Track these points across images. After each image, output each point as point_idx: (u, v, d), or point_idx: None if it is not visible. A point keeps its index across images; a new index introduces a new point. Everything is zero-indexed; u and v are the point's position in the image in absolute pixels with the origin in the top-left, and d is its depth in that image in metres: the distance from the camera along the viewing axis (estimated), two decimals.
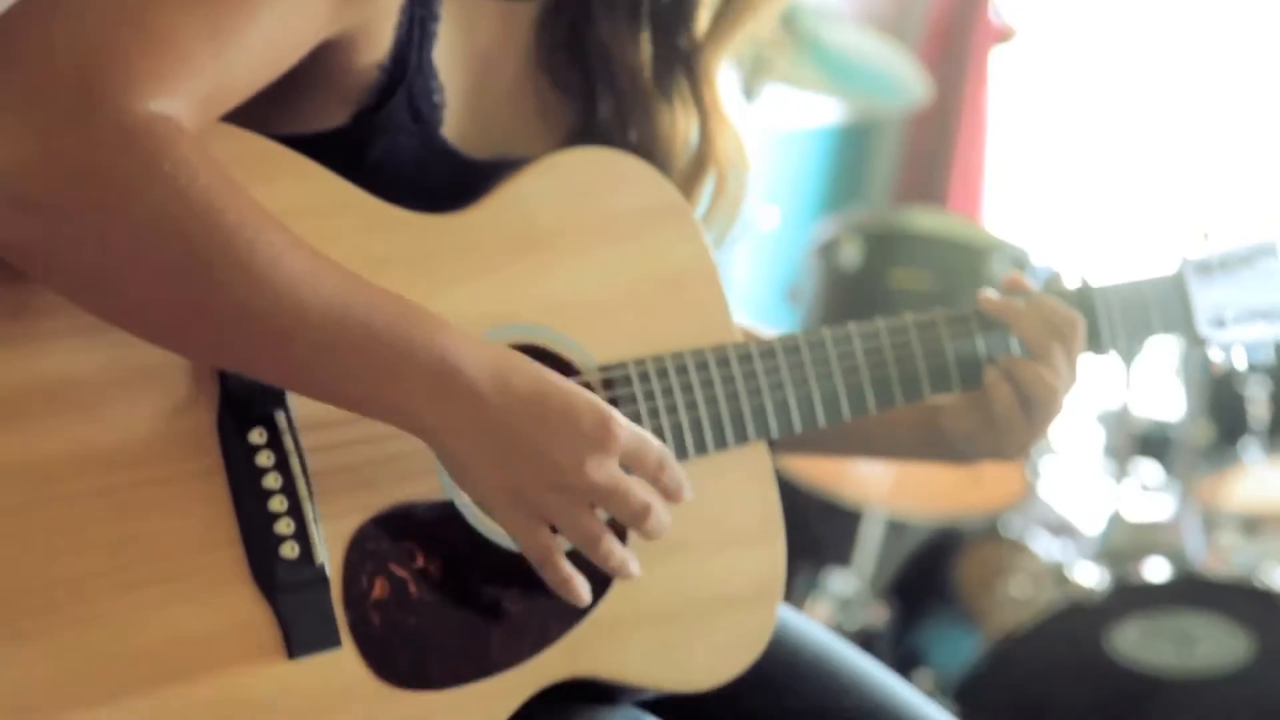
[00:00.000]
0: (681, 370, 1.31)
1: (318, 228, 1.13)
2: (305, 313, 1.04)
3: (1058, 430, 1.47)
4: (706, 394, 1.32)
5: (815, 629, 1.55)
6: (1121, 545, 2.89)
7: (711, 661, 1.35)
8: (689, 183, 1.41)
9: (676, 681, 1.34)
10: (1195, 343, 1.55)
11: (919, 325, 1.41)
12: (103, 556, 1.08)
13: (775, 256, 3.72)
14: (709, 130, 1.41)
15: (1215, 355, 1.56)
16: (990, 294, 1.45)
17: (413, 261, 1.22)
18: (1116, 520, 2.94)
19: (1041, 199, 4.41)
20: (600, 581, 1.25)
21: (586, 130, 1.40)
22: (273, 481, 1.14)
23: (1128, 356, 1.51)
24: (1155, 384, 3.32)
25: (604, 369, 1.30)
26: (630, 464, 1.15)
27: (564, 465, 1.11)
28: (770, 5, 1.38)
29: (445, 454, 1.12)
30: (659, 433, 1.29)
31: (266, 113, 1.17)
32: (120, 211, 1.00)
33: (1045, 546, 3.04)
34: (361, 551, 1.18)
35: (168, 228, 1.01)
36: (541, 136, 1.38)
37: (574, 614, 1.27)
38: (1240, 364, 1.57)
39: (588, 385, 1.28)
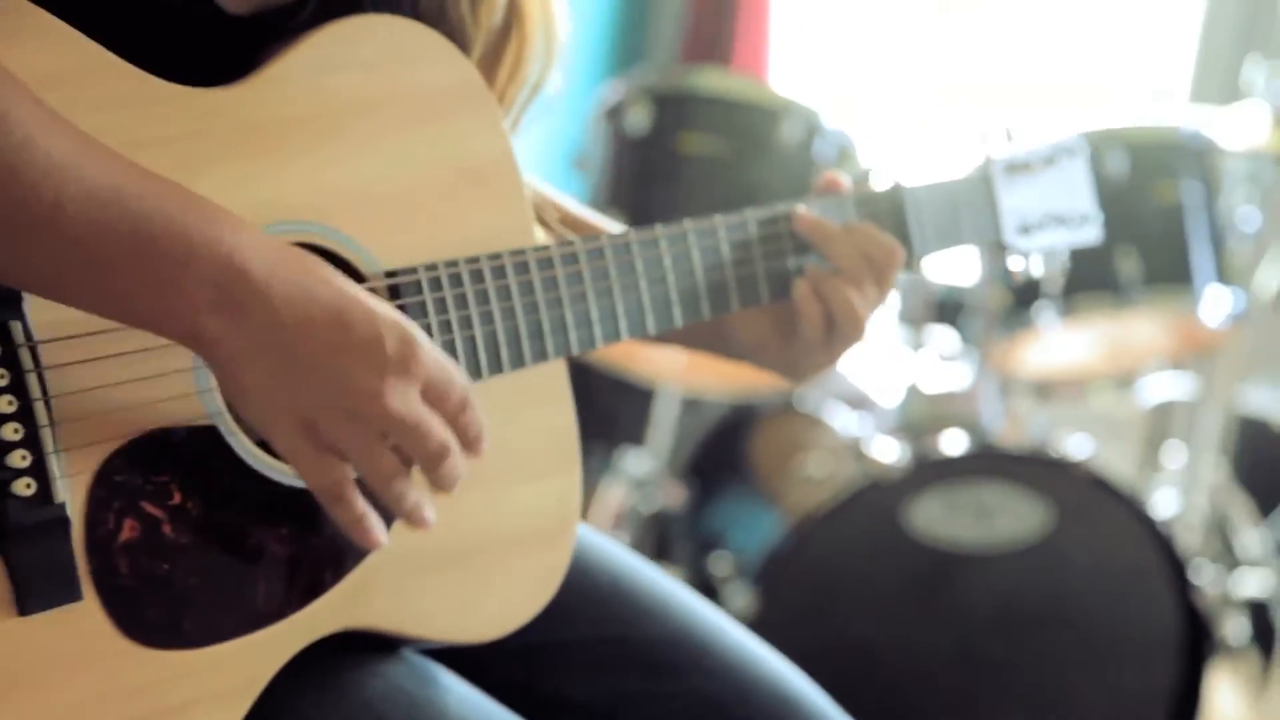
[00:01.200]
0: (477, 277, 1.18)
1: (61, 99, 0.96)
2: (65, 205, 0.91)
3: (852, 359, 1.36)
4: (503, 305, 1.19)
5: (613, 550, 1.44)
6: (919, 418, 2.84)
7: (503, 609, 1.25)
8: (493, 53, 1.27)
9: (464, 632, 1.23)
10: (999, 250, 1.49)
11: (729, 228, 1.31)
12: None
13: (558, 123, 3.55)
14: None
15: (1016, 265, 1.50)
16: (803, 211, 1.34)
17: (172, 142, 1.06)
18: (914, 393, 2.88)
19: (829, 59, 4.30)
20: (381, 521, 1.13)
21: None
22: (5, 405, 0.98)
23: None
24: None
25: (390, 274, 1.16)
26: (431, 399, 1.02)
27: (362, 391, 0.98)
28: None
29: (225, 374, 0.99)
30: (450, 348, 1.17)
31: None
32: None
33: (842, 421, 2.97)
34: (109, 487, 1.03)
35: None
36: None
37: (350, 558, 1.14)
38: (1037, 272, 1.51)
39: (373, 292, 1.14)
